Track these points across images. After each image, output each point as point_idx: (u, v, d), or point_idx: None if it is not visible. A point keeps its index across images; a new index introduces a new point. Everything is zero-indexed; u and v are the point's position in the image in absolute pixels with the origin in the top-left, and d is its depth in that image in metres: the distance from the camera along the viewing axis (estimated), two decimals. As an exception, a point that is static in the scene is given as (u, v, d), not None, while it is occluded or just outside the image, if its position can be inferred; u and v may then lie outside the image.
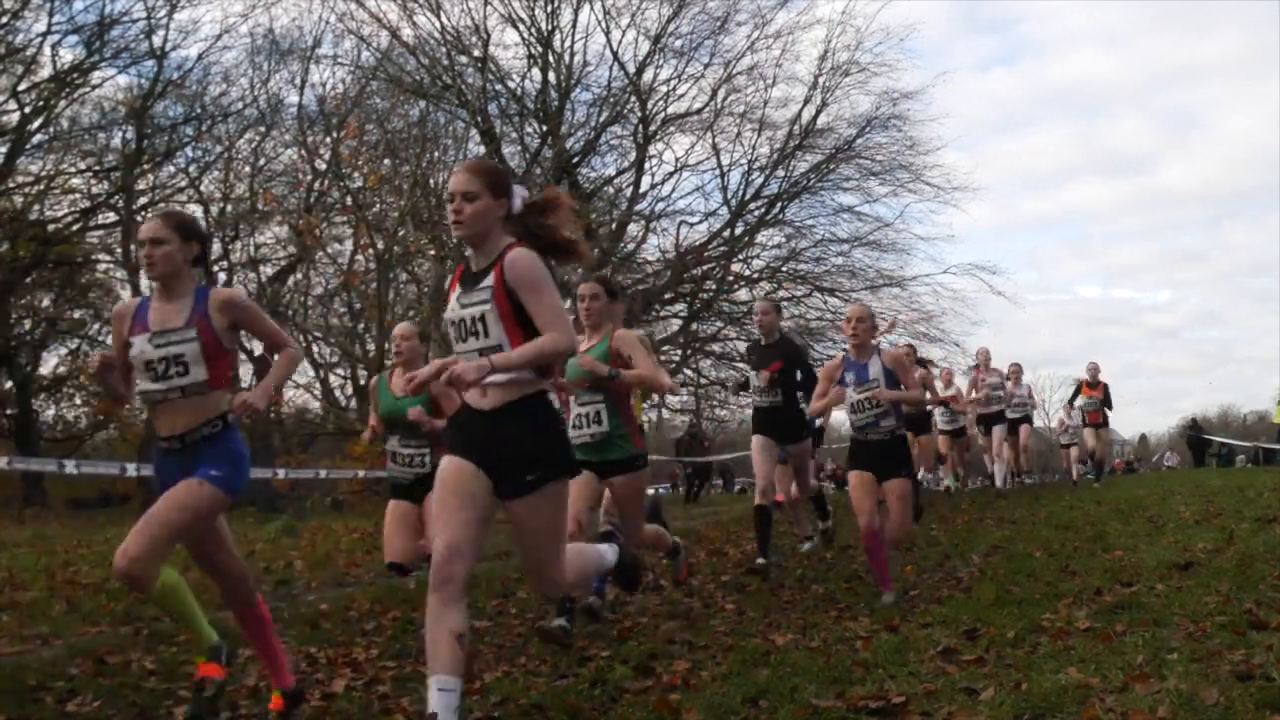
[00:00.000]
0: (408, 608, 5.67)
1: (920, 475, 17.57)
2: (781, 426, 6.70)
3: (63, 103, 22.11)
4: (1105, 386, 13.78)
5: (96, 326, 25.27)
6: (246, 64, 23.77)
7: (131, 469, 10.98)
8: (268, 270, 24.88)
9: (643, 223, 22.90)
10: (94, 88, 22.85)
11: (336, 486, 20.66)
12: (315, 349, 24.30)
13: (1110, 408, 13.79)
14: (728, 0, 21.59)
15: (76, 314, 25.22)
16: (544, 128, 21.64)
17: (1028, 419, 13.66)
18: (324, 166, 21.81)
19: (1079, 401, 13.97)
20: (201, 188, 24.43)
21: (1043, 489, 14.79)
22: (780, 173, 22.71)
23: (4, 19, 20.21)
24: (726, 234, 22.88)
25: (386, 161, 20.32)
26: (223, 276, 25.11)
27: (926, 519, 9.77)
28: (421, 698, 3.74)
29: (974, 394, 12.91)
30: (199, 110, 23.56)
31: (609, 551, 3.72)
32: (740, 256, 23.27)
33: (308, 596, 6.36)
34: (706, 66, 22.01)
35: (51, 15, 21.05)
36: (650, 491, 5.92)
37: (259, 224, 23.92)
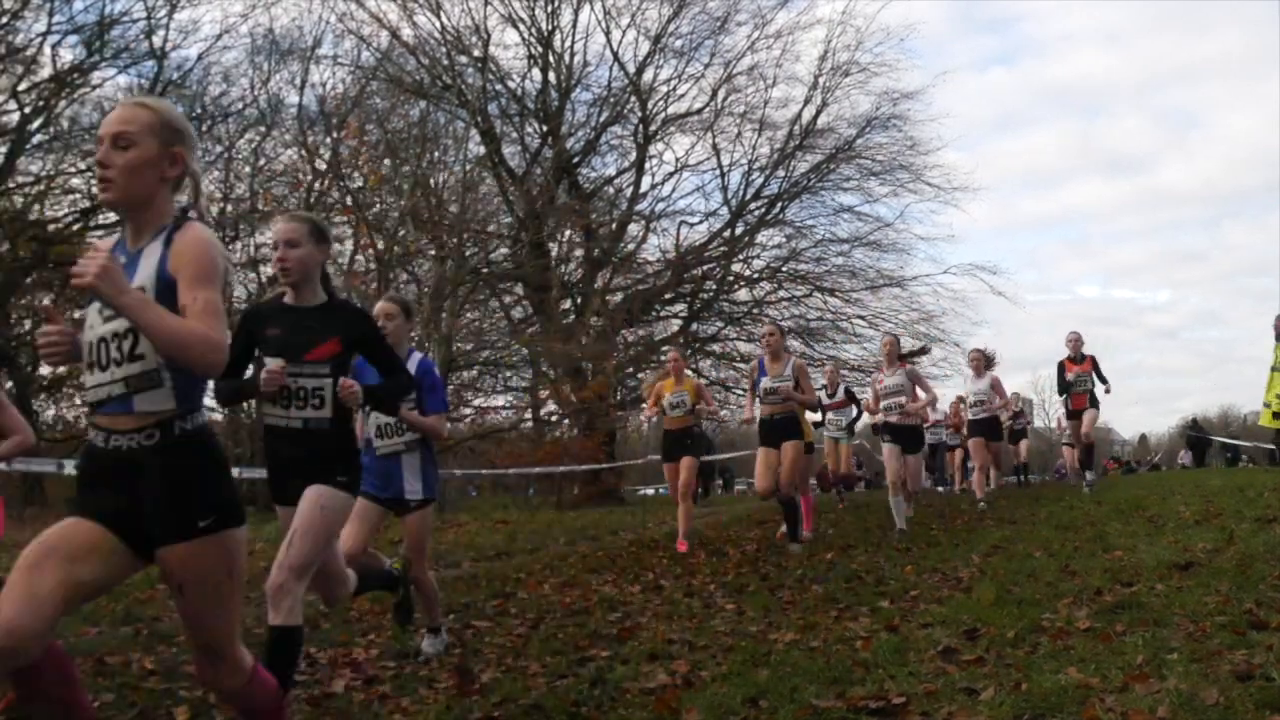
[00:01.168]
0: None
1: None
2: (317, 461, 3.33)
3: (63, 103, 22.13)
4: (1094, 360, 11.20)
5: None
6: (246, 64, 23.80)
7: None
8: (268, 270, 24.92)
9: (643, 223, 22.92)
10: (94, 88, 22.87)
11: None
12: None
13: (1105, 382, 11.20)
14: (728, 0, 21.64)
15: (77, 314, 25.24)
16: (544, 128, 21.66)
17: (994, 422, 11.15)
18: (324, 166, 21.81)
19: (1069, 382, 11.24)
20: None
21: (1043, 489, 14.79)
22: (780, 173, 22.76)
23: (4, 19, 20.23)
24: (726, 234, 22.90)
25: (386, 161, 20.33)
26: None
27: (927, 518, 9.76)
28: (421, 697, 3.75)
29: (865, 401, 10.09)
30: (199, 110, 23.57)
31: None
32: (740, 256, 23.29)
33: (308, 596, 6.35)
34: (706, 66, 22.07)
35: (51, 15, 21.08)
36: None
37: (259, 224, 23.93)
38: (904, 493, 8.73)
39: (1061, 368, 11.25)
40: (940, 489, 15.83)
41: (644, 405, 9.33)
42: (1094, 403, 11.24)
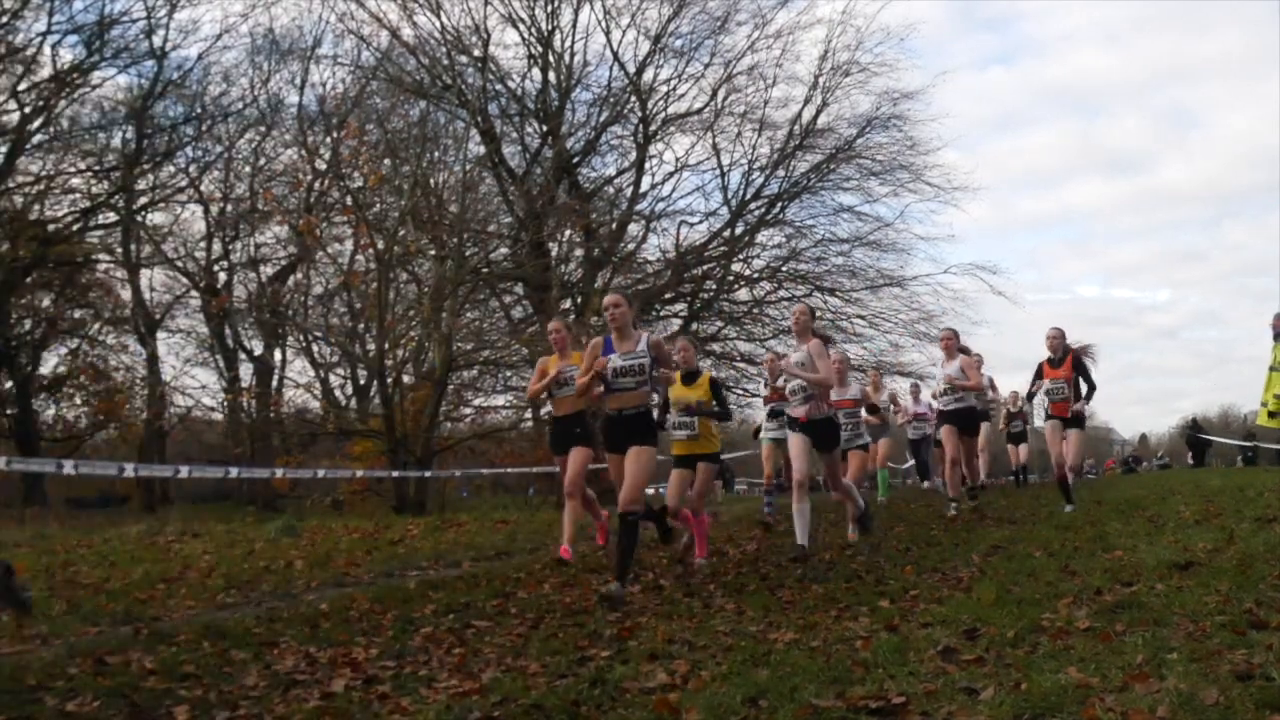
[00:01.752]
0: (407, 608, 5.68)
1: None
2: None
3: (63, 103, 22.15)
4: (1075, 359, 9.28)
5: (96, 327, 25.31)
6: (246, 64, 23.89)
7: (129, 469, 10.96)
8: (268, 270, 24.95)
9: (643, 223, 22.91)
10: (94, 88, 22.92)
11: (336, 486, 20.68)
12: (315, 349, 24.33)
13: (1092, 385, 9.28)
14: (728, 0, 21.63)
15: (77, 314, 25.24)
16: (544, 128, 21.65)
17: (969, 413, 9.56)
18: (324, 166, 21.83)
19: (1043, 390, 9.48)
20: (201, 188, 24.49)
21: (1042, 489, 14.79)
22: (780, 173, 22.75)
23: (4, 19, 20.22)
24: (726, 234, 22.89)
25: (386, 161, 20.35)
26: (223, 277, 25.16)
27: (927, 519, 9.74)
28: (422, 698, 3.74)
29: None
30: (199, 110, 23.60)
31: None
32: (740, 256, 23.29)
33: (308, 596, 6.36)
34: (706, 66, 22.06)
35: (51, 15, 21.12)
36: None
37: (259, 224, 23.94)
38: (845, 498, 7.45)
39: (1039, 373, 9.50)
40: (925, 484, 15.77)
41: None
42: (1077, 419, 9.44)
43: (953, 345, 9.61)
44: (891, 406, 13.16)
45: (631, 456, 5.91)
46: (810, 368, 6.95)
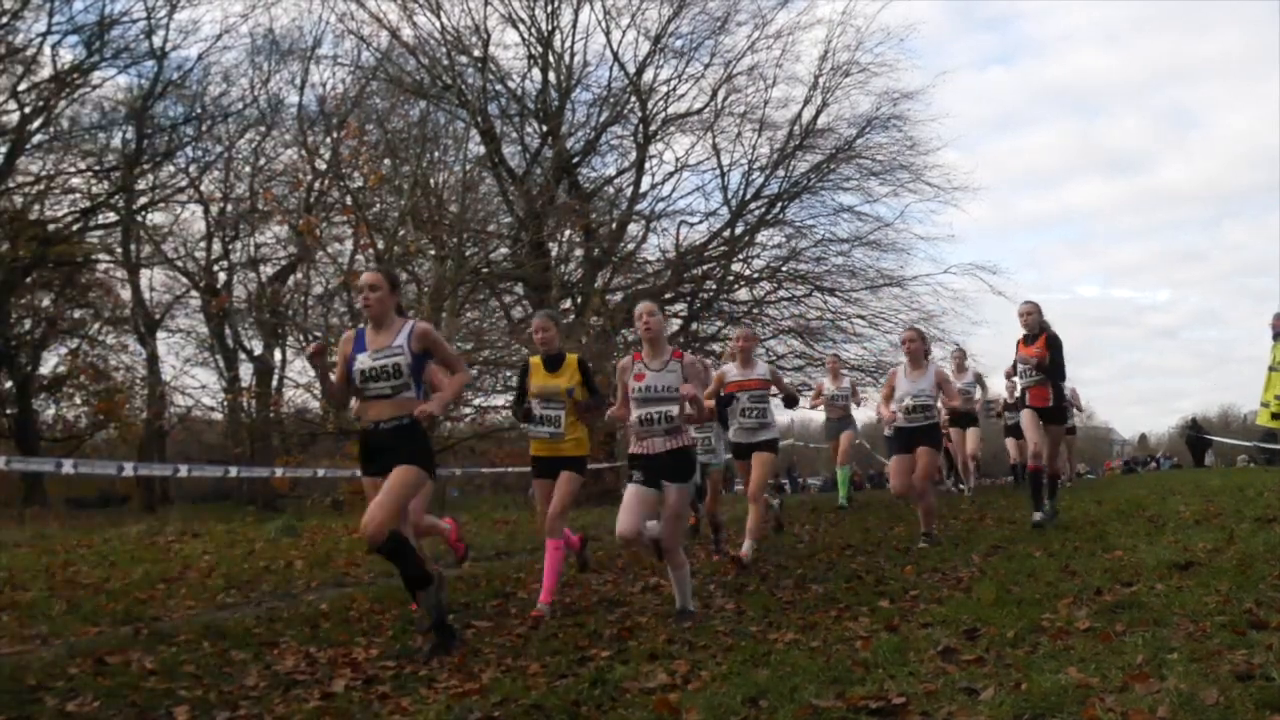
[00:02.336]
0: (407, 608, 5.68)
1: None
2: None
3: (63, 103, 22.14)
4: (1050, 339, 7.95)
5: (96, 327, 25.31)
6: (246, 64, 23.87)
7: (129, 469, 10.95)
8: (268, 270, 24.93)
9: (643, 223, 22.90)
10: (94, 88, 22.91)
11: (336, 486, 20.67)
12: (315, 349, 24.27)
13: (1061, 376, 8.05)
14: (728, 0, 21.63)
15: (77, 314, 25.24)
16: (544, 128, 21.63)
17: (933, 430, 7.85)
18: (324, 166, 21.82)
19: (1018, 372, 8.26)
20: (201, 188, 24.48)
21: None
22: (780, 173, 22.72)
23: (4, 19, 20.23)
24: (726, 234, 22.88)
25: (386, 161, 20.33)
26: (223, 277, 25.16)
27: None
28: (422, 697, 3.74)
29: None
30: (199, 110, 23.60)
31: None
32: (740, 256, 23.27)
33: (308, 596, 6.36)
34: (706, 66, 22.04)
35: (51, 15, 21.12)
36: None
37: (259, 224, 23.93)
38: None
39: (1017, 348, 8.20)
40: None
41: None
42: (1058, 407, 8.12)
43: (920, 351, 7.89)
44: (847, 395, 12.24)
45: (393, 478, 4.51)
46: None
